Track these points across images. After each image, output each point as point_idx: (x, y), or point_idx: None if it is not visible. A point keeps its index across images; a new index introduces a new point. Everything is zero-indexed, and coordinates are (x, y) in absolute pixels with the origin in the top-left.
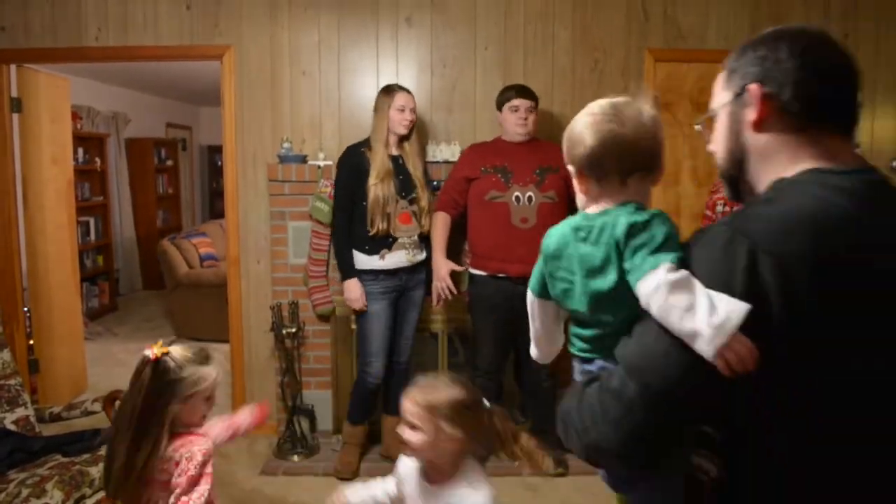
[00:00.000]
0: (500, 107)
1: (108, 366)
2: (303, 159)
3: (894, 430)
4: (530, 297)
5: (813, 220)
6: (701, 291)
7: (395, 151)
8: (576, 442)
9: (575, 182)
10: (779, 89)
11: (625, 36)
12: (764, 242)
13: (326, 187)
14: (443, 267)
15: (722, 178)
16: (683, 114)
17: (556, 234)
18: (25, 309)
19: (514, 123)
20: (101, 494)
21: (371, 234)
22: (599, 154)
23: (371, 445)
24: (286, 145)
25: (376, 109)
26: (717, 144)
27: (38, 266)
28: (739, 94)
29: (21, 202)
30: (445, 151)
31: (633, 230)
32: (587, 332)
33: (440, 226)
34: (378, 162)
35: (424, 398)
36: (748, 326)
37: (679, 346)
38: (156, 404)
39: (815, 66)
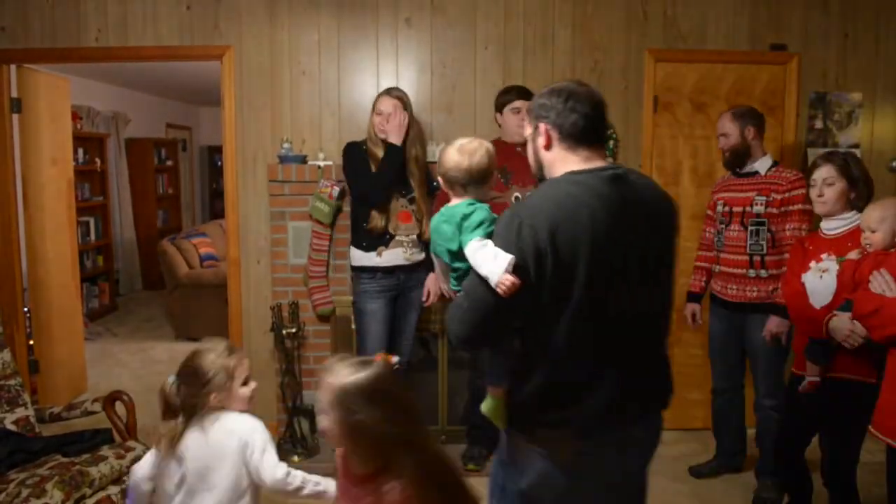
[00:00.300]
0: (500, 108)
1: (108, 366)
2: (303, 159)
3: (598, 319)
4: (433, 255)
5: (552, 202)
6: (490, 251)
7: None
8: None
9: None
10: (553, 124)
11: (625, 36)
12: (526, 217)
13: (326, 187)
14: None
15: (535, 178)
16: (683, 114)
17: (435, 218)
18: (25, 309)
19: (516, 125)
20: (102, 494)
21: (368, 227)
22: (450, 174)
23: None
24: (286, 145)
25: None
26: (530, 158)
27: (38, 266)
28: (536, 128)
29: (21, 202)
30: None
31: (464, 217)
32: (454, 274)
33: None
34: (374, 160)
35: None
36: (517, 267)
37: (483, 279)
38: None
39: (573, 108)
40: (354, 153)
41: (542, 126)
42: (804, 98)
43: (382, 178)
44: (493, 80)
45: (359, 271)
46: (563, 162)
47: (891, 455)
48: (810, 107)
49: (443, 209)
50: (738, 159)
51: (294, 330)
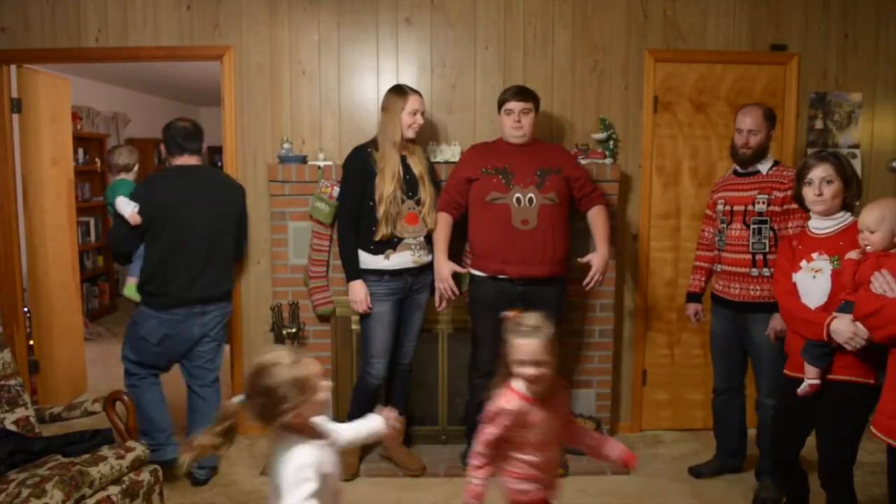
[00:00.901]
0: (498, 109)
1: (107, 366)
2: (303, 160)
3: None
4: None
5: (163, 179)
6: (127, 202)
7: (403, 152)
8: None
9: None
10: (165, 143)
11: (625, 36)
12: (149, 186)
13: (327, 187)
14: (445, 268)
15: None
16: (683, 114)
17: (110, 187)
18: (25, 309)
19: (510, 126)
20: (102, 494)
21: (376, 238)
22: (110, 165)
23: (370, 446)
24: (286, 146)
25: (386, 110)
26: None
27: (38, 266)
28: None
29: (21, 202)
30: (446, 152)
31: (122, 184)
32: (113, 211)
33: (442, 227)
34: (389, 164)
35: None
36: (140, 211)
37: (123, 217)
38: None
39: (173, 135)
40: (354, 165)
41: (161, 145)
42: (804, 98)
43: (343, 242)
44: (493, 80)
45: (366, 273)
46: (173, 162)
47: (891, 456)
48: (810, 107)
49: (115, 181)
50: (756, 158)
51: (294, 330)
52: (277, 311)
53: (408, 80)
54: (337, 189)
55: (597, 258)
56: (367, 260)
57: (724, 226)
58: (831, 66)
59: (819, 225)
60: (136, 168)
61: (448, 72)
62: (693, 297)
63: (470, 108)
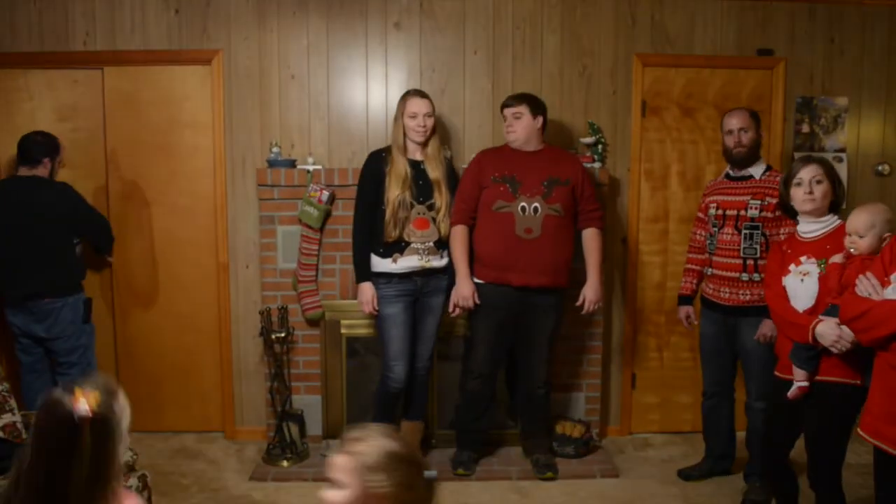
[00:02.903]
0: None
1: None
2: (292, 163)
3: None
4: None
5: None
6: None
7: (418, 156)
8: None
9: None
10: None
11: (613, 41)
12: None
13: (316, 191)
14: (466, 288)
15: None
16: (671, 118)
17: None
18: None
19: (504, 130)
20: None
21: (384, 239)
22: None
23: None
24: (275, 150)
25: (395, 116)
26: None
27: None
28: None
29: None
30: None
31: None
32: None
33: (461, 243)
34: (396, 169)
35: (352, 451)
36: None
37: None
38: (109, 457)
39: (19, 145)
40: (368, 169)
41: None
42: (791, 102)
43: (356, 243)
44: (481, 85)
45: (377, 276)
46: (18, 172)
47: (878, 457)
48: (797, 111)
49: None
50: (751, 157)
51: (283, 334)
52: (266, 315)
53: (397, 84)
54: (326, 193)
55: (589, 291)
56: (377, 262)
57: (716, 230)
58: (817, 71)
59: (806, 229)
60: None
61: (437, 77)
62: (684, 299)
63: (459, 112)
